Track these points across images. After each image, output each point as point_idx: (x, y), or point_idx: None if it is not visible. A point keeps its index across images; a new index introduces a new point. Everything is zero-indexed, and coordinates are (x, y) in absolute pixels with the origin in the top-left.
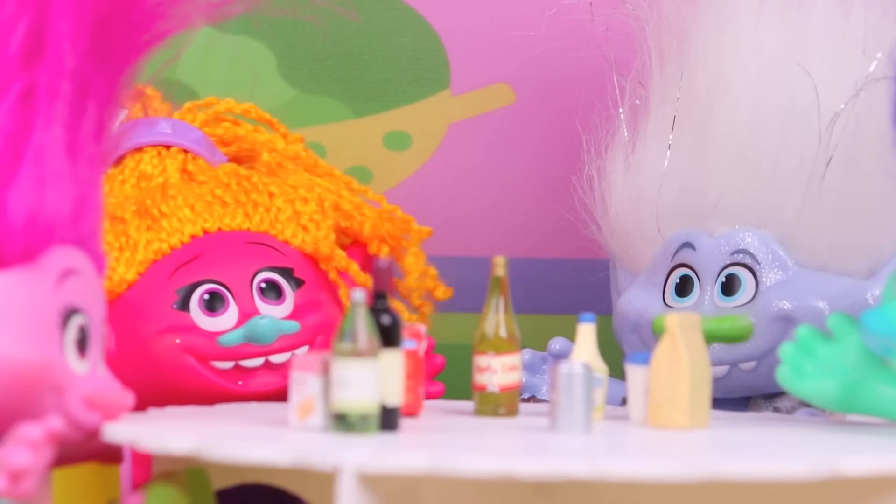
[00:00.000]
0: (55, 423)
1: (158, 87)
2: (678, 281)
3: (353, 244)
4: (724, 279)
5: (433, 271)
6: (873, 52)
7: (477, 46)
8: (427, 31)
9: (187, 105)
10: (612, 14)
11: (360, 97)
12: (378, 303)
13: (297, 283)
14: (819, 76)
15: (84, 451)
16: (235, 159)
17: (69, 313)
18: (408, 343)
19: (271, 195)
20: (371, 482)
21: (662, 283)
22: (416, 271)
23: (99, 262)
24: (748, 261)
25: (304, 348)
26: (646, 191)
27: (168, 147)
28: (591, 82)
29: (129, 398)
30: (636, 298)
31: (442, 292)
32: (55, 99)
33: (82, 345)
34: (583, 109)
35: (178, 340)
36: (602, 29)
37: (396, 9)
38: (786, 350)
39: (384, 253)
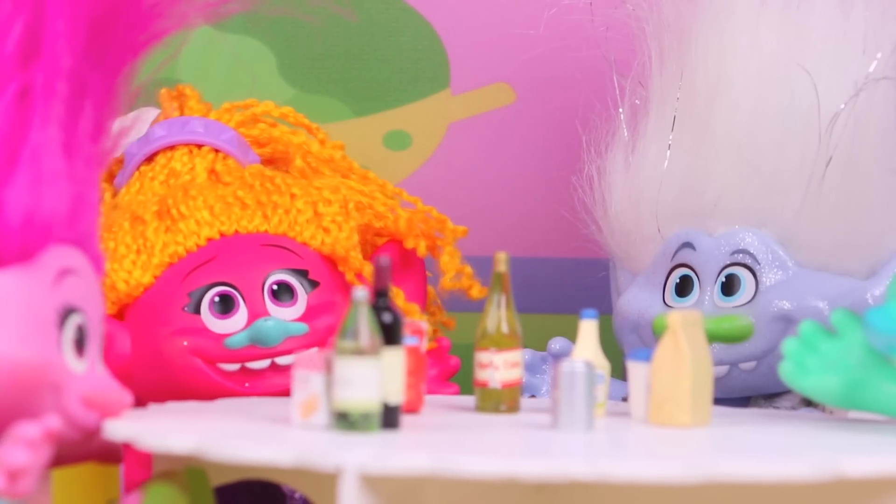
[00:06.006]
0: (53, 422)
1: (157, 87)
2: (678, 281)
3: (388, 244)
4: (723, 279)
5: (469, 270)
6: (873, 52)
7: (477, 46)
8: (427, 30)
9: (225, 105)
10: (612, 14)
11: (359, 97)
12: (379, 300)
13: (312, 284)
14: (819, 76)
15: (83, 450)
16: (271, 160)
17: (67, 312)
18: (409, 339)
19: (293, 196)
20: (373, 483)
21: (662, 283)
22: (451, 270)
23: (97, 261)
24: (748, 261)
25: (314, 350)
26: (646, 191)
27: (200, 146)
28: (591, 82)
29: (127, 397)
30: (636, 298)
31: (477, 291)
32: (52, 98)
33: (80, 344)
34: (583, 109)
35: (185, 343)
36: (602, 29)
37: (396, 8)
38: (789, 345)
39: (422, 249)
